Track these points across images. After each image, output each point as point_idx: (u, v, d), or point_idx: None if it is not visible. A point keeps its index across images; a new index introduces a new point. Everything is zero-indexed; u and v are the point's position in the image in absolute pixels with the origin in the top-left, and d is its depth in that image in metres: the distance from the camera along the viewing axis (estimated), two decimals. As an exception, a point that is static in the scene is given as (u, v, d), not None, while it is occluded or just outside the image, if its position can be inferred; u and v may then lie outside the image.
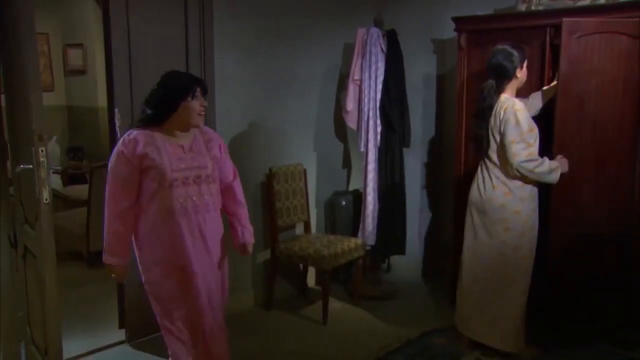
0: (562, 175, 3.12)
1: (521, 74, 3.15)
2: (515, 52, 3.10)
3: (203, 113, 2.52)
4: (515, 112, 3.02)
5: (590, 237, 3.30)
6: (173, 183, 2.44)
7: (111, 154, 2.56)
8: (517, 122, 3.01)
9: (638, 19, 3.06)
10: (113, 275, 2.61)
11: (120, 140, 2.48)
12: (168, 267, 2.53)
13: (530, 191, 3.14)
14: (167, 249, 2.51)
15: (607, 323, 3.34)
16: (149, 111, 2.48)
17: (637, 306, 3.27)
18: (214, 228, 2.60)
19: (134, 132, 2.47)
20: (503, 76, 3.11)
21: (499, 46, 3.15)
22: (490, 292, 3.21)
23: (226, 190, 2.71)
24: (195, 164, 2.52)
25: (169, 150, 2.46)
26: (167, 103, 2.44)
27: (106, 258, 2.55)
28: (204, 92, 2.51)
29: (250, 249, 2.75)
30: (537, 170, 3.02)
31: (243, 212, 2.76)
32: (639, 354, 3.25)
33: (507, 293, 3.17)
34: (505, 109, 3.05)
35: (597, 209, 3.29)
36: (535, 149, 3.04)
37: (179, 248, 2.50)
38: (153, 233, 2.51)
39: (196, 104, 2.47)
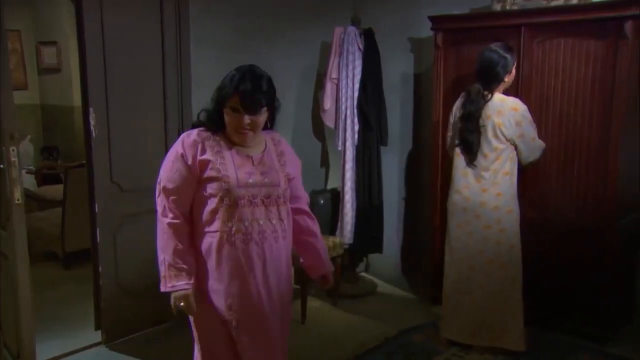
0: (531, 166, 3.33)
1: (509, 78, 3.20)
2: (508, 57, 3.14)
3: (244, 132, 2.00)
4: (525, 109, 3.13)
5: (556, 228, 3.40)
6: (239, 201, 1.99)
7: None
8: (530, 120, 3.14)
9: (607, 20, 3.12)
10: (181, 305, 2.01)
11: (179, 141, 2.04)
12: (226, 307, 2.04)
13: (515, 188, 3.21)
14: (226, 284, 2.03)
15: (577, 315, 3.39)
16: (205, 112, 2.07)
17: (609, 300, 3.33)
18: (281, 261, 2.11)
19: (194, 132, 2.04)
20: (493, 80, 3.15)
21: (492, 46, 3.17)
22: (494, 296, 3.19)
23: (294, 218, 2.23)
24: (267, 181, 2.05)
25: (236, 160, 2.02)
26: (214, 105, 2.04)
27: (166, 283, 2.00)
28: (251, 106, 1.95)
29: (331, 277, 2.34)
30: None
31: (319, 244, 2.31)
32: (613, 349, 3.31)
33: (509, 293, 3.19)
34: (516, 108, 3.09)
35: (565, 201, 3.37)
36: None
37: (242, 285, 2.03)
38: (207, 262, 2.04)
39: (234, 117, 1.97)
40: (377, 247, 4.32)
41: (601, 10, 3.14)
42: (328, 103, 4.19)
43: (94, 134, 3.22)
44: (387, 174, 4.35)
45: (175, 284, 1.98)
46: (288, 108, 4.36)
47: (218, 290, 2.02)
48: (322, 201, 4.41)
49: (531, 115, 3.17)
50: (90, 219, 3.35)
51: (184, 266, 2.00)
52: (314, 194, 4.49)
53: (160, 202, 2.03)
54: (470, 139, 3.16)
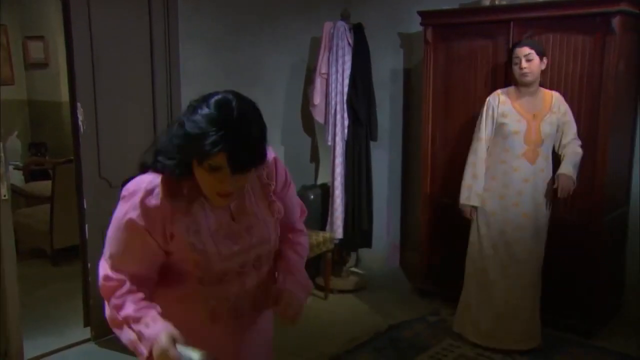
0: None
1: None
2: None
3: (225, 193, 1.37)
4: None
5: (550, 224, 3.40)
6: (224, 278, 1.48)
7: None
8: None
9: (595, 15, 3.14)
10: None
11: (130, 200, 1.41)
12: None
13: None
14: None
15: (565, 309, 3.42)
16: (166, 155, 1.40)
17: (596, 294, 3.36)
18: (266, 331, 1.69)
19: (155, 186, 1.40)
20: None
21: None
22: (528, 297, 3.21)
23: (284, 236, 1.65)
24: (254, 240, 1.51)
25: (210, 221, 1.45)
26: (179, 156, 1.37)
27: (144, 342, 1.35)
28: (241, 167, 1.33)
29: (292, 311, 1.52)
30: None
31: (298, 261, 1.66)
32: (599, 341, 3.34)
33: (534, 292, 3.23)
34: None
35: (552, 195, 3.38)
36: None
37: None
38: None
39: (214, 177, 1.34)
40: (367, 242, 4.33)
41: (589, 6, 3.16)
42: (318, 98, 4.18)
43: (81, 130, 3.19)
44: (377, 169, 4.36)
45: (148, 333, 1.35)
46: (277, 103, 4.35)
47: None
48: (312, 196, 4.40)
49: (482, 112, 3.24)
50: (78, 215, 3.33)
51: (147, 312, 1.40)
52: (304, 189, 4.49)
53: (106, 256, 1.50)
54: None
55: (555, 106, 3.14)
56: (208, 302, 1.48)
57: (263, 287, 1.56)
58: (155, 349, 1.31)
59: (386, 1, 4.35)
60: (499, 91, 3.25)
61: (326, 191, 4.39)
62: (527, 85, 3.12)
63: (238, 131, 1.30)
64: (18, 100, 6.62)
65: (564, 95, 3.27)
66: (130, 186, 1.43)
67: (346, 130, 4.11)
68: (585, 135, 3.24)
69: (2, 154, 2.41)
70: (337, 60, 4.05)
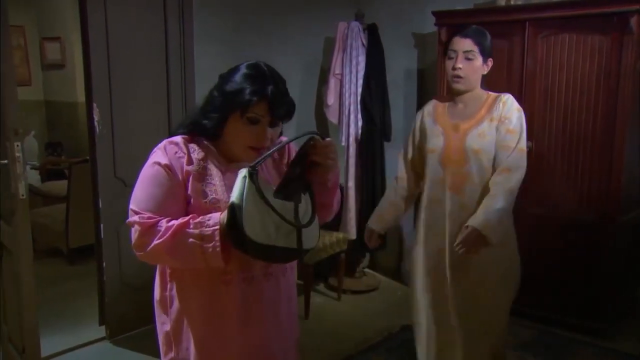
0: (535, 160, 3.24)
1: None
2: None
3: (260, 146, 1.50)
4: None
5: (559, 223, 3.40)
6: None
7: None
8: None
9: (612, 15, 3.10)
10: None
11: (155, 153, 1.53)
12: None
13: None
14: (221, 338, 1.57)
15: (578, 311, 3.39)
16: (194, 117, 1.56)
17: (610, 295, 3.32)
18: (289, 297, 1.69)
19: (177, 139, 1.54)
20: None
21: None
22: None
23: None
24: None
25: (225, 181, 1.54)
26: (218, 114, 1.50)
27: (209, 229, 1.44)
28: (283, 114, 1.52)
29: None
30: None
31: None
32: (616, 344, 3.31)
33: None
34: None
35: (568, 196, 3.37)
36: None
37: (243, 334, 1.58)
38: (198, 315, 1.55)
39: (251, 131, 1.48)
40: (381, 243, 4.31)
41: (606, 5, 3.12)
42: (332, 98, 4.18)
43: (97, 130, 3.22)
44: (391, 169, 4.34)
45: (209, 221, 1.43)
46: (291, 104, 4.35)
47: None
48: (325, 197, 4.40)
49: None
50: (94, 214, 3.36)
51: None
52: (317, 190, 4.49)
53: (141, 229, 1.46)
54: None
55: (496, 112, 2.30)
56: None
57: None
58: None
59: (400, 1, 4.34)
60: (434, 99, 2.59)
61: (340, 191, 4.37)
62: (459, 93, 2.36)
63: (274, 83, 1.48)
64: (35, 101, 6.70)
65: (580, 95, 3.23)
66: (156, 146, 1.55)
67: (360, 131, 4.11)
68: (601, 135, 3.21)
69: (21, 154, 2.44)
70: (351, 61, 4.05)
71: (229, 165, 1.55)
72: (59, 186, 5.37)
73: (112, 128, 3.28)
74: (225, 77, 1.51)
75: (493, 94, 2.37)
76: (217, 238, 1.41)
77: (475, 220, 2.20)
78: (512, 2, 3.55)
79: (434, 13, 3.76)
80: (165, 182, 1.48)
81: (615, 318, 3.44)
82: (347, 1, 4.40)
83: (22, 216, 2.52)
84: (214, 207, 1.49)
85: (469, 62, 2.28)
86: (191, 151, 1.52)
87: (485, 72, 2.34)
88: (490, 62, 2.35)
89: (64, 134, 6.63)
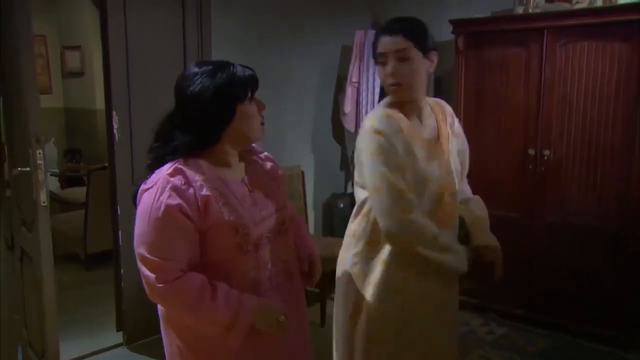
0: (553, 168, 3.25)
1: None
2: None
3: (263, 122, 1.62)
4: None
5: (577, 231, 3.35)
6: (259, 243, 1.54)
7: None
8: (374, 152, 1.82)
9: (632, 22, 3.07)
10: (282, 318, 1.52)
11: (156, 190, 1.46)
12: None
13: None
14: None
15: (599, 321, 3.34)
16: (175, 139, 1.53)
17: (631, 305, 3.27)
18: (302, 305, 1.73)
19: (176, 169, 1.47)
20: None
21: None
22: None
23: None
24: (275, 206, 1.62)
25: (234, 193, 1.53)
26: (219, 110, 1.49)
27: (244, 318, 1.46)
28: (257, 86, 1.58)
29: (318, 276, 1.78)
30: None
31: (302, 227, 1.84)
32: (636, 355, 3.25)
33: None
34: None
35: (587, 205, 3.33)
36: None
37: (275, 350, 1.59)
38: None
39: (254, 109, 1.56)
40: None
41: (627, 12, 3.10)
42: (348, 106, 4.19)
43: (117, 138, 3.25)
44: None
45: (251, 307, 1.47)
46: (308, 112, 4.36)
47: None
48: (341, 205, 4.40)
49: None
50: (112, 221, 3.39)
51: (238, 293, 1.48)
52: (333, 198, 4.49)
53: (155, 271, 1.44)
54: None
55: (451, 121, 1.96)
56: (248, 274, 1.52)
57: (292, 254, 1.65)
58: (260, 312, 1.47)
59: (416, 9, 4.33)
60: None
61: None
62: (404, 102, 1.83)
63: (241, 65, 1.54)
64: (55, 108, 6.80)
65: (599, 103, 3.20)
66: (149, 180, 1.49)
67: (376, 139, 4.10)
68: (620, 143, 3.17)
69: (42, 162, 2.47)
70: (368, 69, 4.06)
71: (225, 173, 1.55)
72: (78, 193, 5.42)
73: (130, 135, 3.31)
74: (196, 84, 1.48)
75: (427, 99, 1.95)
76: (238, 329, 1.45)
77: (490, 238, 1.95)
78: (530, 10, 3.53)
79: (451, 21, 3.75)
80: (180, 226, 1.44)
81: (633, 327, 3.39)
82: (364, 9, 4.41)
83: (43, 223, 2.55)
84: (236, 222, 1.49)
85: (404, 62, 1.77)
86: (195, 175, 1.48)
87: (433, 70, 1.86)
88: (435, 57, 1.86)
89: (83, 141, 6.71)
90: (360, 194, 1.88)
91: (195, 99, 1.48)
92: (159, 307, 1.61)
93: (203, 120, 1.50)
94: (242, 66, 1.54)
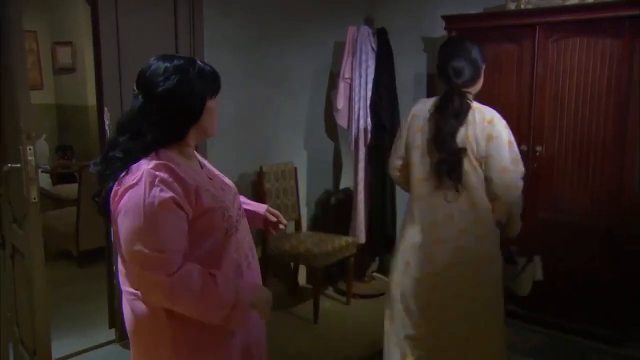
0: (545, 164, 3.30)
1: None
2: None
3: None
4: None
5: (571, 228, 3.38)
6: (237, 225, 1.62)
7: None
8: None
9: (624, 18, 3.09)
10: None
11: (142, 186, 1.43)
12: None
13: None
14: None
15: (591, 317, 3.36)
16: (147, 134, 1.49)
17: (623, 301, 3.29)
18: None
19: (156, 164, 1.46)
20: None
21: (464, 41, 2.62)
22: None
23: None
24: (233, 192, 1.72)
25: (206, 180, 1.61)
26: (193, 105, 1.53)
27: (244, 296, 1.53)
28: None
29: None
30: None
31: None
32: (630, 351, 3.28)
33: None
34: (491, 120, 2.47)
35: (579, 202, 3.35)
36: None
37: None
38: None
39: (215, 105, 1.61)
40: (390, 247, 4.30)
41: (618, 9, 3.11)
42: (341, 103, 4.18)
43: (108, 133, 3.24)
44: (400, 173, 4.33)
45: (248, 294, 1.55)
46: (301, 108, 4.36)
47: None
48: (334, 201, 4.40)
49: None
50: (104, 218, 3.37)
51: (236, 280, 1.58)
52: (326, 194, 4.49)
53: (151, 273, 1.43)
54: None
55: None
56: (232, 256, 1.58)
57: (249, 235, 1.72)
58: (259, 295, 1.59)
59: (409, 5, 4.34)
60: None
61: (349, 196, 4.38)
62: None
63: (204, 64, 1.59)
64: (46, 104, 6.76)
65: (591, 99, 3.23)
66: (130, 178, 1.45)
67: (369, 135, 4.11)
68: (613, 139, 3.19)
69: (33, 158, 2.46)
70: (360, 65, 4.05)
71: (189, 163, 1.59)
72: (70, 189, 5.40)
73: (122, 132, 3.29)
74: (171, 79, 1.50)
75: None
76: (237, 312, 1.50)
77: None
78: (522, 6, 3.54)
79: (444, 17, 3.76)
80: (176, 218, 1.45)
81: (629, 325, 3.41)
82: (356, 6, 4.41)
83: (34, 220, 2.53)
84: (222, 206, 1.56)
85: None
86: (175, 167, 1.48)
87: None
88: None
89: (75, 137, 6.68)
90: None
91: (171, 94, 1.49)
92: (139, 315, 1.61)
93: (176, 114, 1.51)
94: (202, 62, 1.59)
